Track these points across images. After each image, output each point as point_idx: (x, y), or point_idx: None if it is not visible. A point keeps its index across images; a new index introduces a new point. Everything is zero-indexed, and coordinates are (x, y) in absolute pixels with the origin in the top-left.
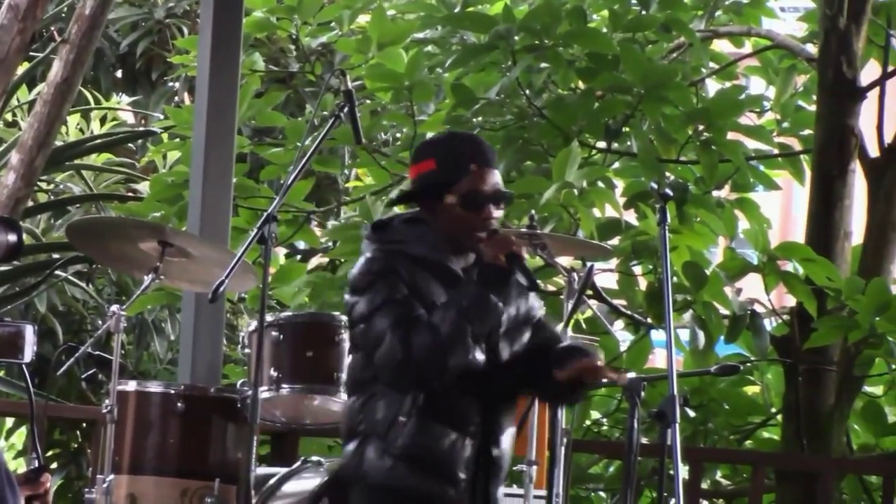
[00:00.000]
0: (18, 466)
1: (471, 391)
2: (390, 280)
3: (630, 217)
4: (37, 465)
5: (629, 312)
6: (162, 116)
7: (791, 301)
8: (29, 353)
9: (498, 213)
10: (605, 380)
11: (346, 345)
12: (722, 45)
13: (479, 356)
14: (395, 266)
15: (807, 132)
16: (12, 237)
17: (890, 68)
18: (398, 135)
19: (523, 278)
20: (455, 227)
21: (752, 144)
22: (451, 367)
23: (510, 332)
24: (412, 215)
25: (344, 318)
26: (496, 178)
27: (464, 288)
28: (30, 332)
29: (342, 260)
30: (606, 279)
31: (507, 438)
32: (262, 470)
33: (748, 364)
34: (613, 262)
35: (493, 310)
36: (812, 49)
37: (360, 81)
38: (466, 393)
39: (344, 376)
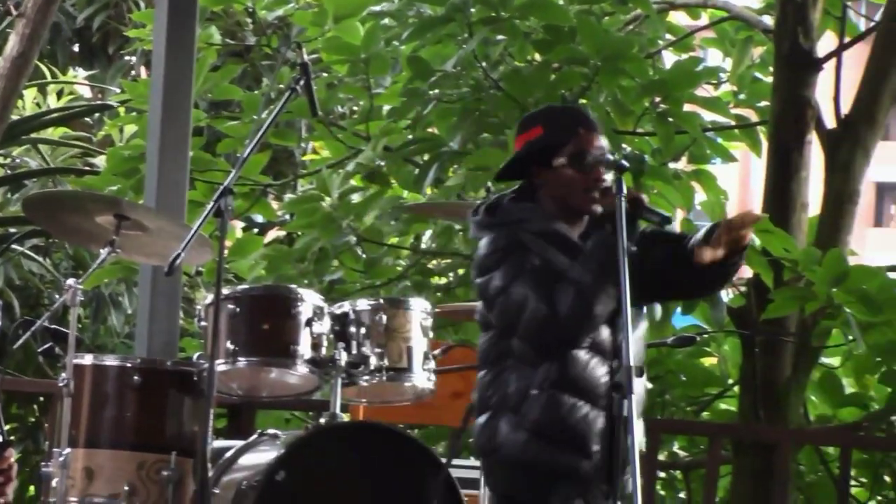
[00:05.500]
0: None
1: (597, 357)
2: (519, 253)
3: None
4: (0, 440)
5: None
6: (119, 90)
7: (748, 272)
8: None
9: (608, 178)
10: (745, 227)
11: (303, 318)
12: (678, 17)
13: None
14: (520, 239)
15: (763, 104)
16: None
17: (846, 39)
18: (355, 108)
19: (653, 216)
20: (565, 189)
21: (708, 116)
22: (597, 316)
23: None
24: (516, 194)
25: (301, 290)
26: (603, 143)
27: (595, 240)
28: None
29: (298, 233)
30: None
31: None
32: (219, 443)
33: (705, 335)
34: None
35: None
36: (769, 20)
37: (316, 54)
38: (595, 361)
39: (300, 349)
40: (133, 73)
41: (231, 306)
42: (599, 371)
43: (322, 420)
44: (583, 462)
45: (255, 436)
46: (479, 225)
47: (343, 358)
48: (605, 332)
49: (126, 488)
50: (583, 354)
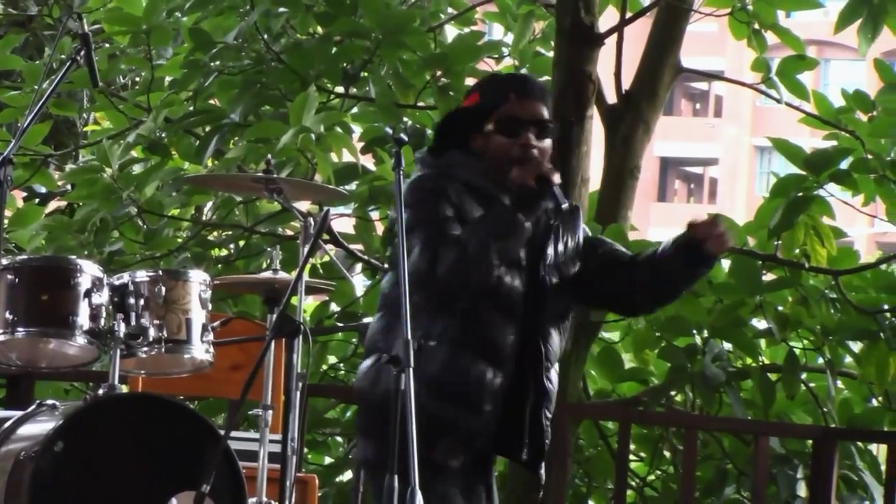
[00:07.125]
0: None
1: (505, 318)
2: (437, 200)
3: (368, 162)
4: None
5: (366, 257)
6: None
7: None
8: None
9: (540, 144)
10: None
11: (82, 289)
12: None
13: (515, 282)
14: (444, 186)
15: (545, 78)
16: None
17: (629, 14)
18: (136, 79)
19: (552, 201)
20: (494, 154)
21: None
22: (473, 283)
23: (560, 264)
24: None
25: (80, 261)
26: (539, 109)
27: (493, 208)
28: None
29: (79, 203)
30: (343, 224)
31: (555, 374)
32: None
33: None
34: (351, 207)
35: (520, 229)
36: None
37: (98, 25)
38: (501, 322)
39: (79, 320)
40: None
41: (10, 276)
42: (504, 330)
43: (100, 391)
44: (470, 418)
45: (33, 406)
46: (421, 163)
47: (122, 329)
48: (516, 292)
49: None
50: (484, 313)
